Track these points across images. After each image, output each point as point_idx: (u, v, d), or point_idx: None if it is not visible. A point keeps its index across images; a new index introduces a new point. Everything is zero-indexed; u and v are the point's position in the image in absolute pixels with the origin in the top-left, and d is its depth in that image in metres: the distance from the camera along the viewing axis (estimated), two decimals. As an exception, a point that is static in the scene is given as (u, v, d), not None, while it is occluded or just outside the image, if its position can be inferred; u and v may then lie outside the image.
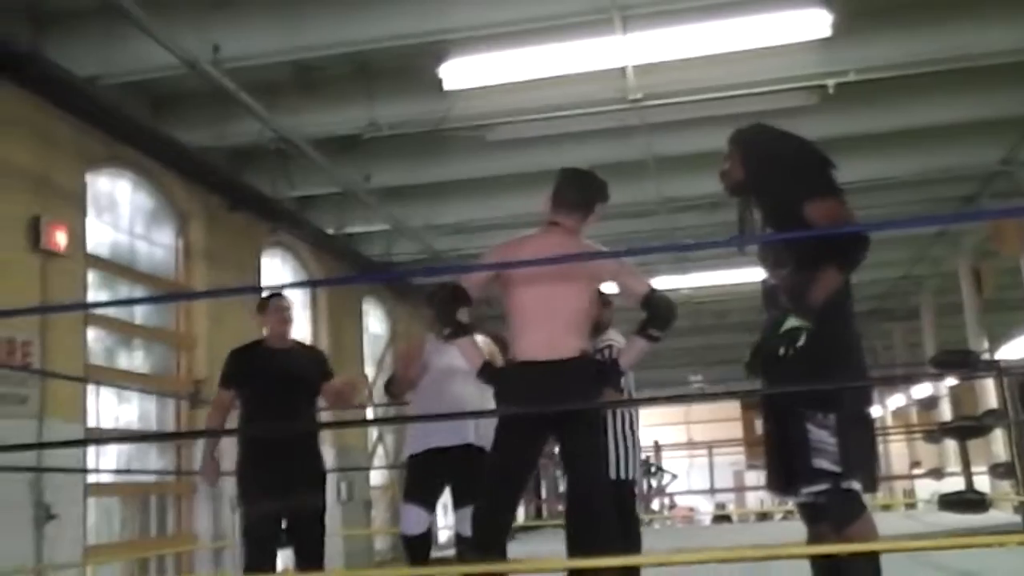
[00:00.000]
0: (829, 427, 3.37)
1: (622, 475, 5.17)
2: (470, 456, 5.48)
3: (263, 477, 5.34)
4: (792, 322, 3.30)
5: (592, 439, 4.27)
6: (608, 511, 4.12)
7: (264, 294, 5.99)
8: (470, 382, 5.41)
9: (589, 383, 4.24)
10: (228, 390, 5.58)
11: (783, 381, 3.49)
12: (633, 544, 5.15)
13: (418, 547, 5.51)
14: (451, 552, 6.40)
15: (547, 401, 4.05)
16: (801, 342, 3.29)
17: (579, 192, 4.41)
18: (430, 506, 5.59)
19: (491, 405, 5.10)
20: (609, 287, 4.70)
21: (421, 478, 5.56)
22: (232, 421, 5.78)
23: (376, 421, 14.22)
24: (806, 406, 3.40)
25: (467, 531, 5.54)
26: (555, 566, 4.51)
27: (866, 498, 3.55)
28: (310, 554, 5.44)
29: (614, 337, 5.33)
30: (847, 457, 3.36)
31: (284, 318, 5.64)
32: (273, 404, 5.41)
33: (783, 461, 3.56)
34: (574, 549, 4.04)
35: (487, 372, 4.33)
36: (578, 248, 4.28)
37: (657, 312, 4.19)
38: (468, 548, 4.20)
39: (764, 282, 3.75)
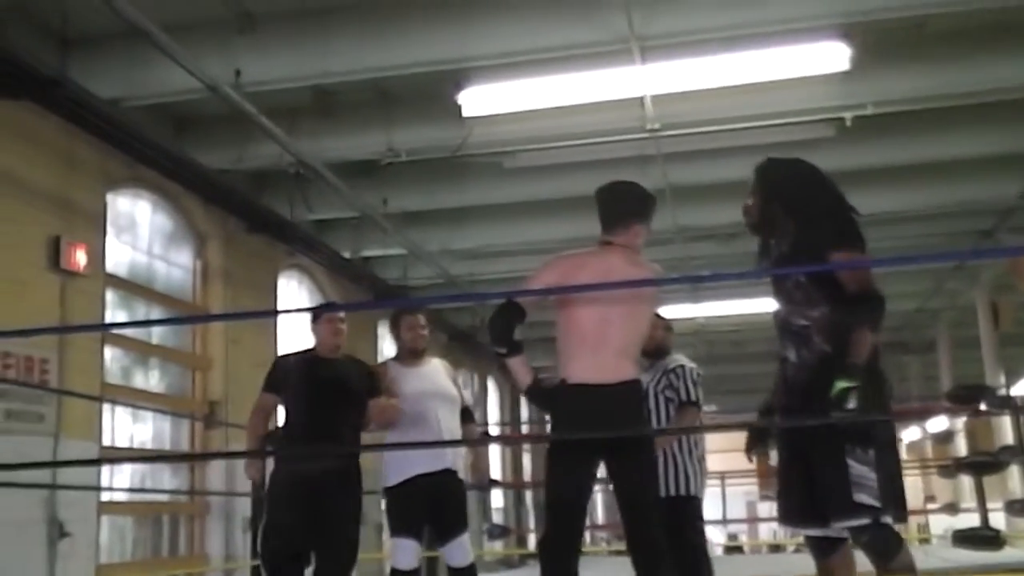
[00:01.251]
0: (869, 462, 3.36)
1: (691, 492, 5.27)
2: (448, 481, 5.43)
3: (296, 491, 5.18)
4: (843, 383, 3.29)
5: (645, 462, 4.17)
6: (662, 534, 4.05)
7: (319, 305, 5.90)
8: (441, 403, 5.48)
9: (639, 408, 4.24)
10: (272, 395, 5.45)
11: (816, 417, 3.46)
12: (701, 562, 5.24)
13: None
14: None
15: (597, 426, 3.99)
16: (851, 404, 3.29)
17: (618, 204, 4.40)
18: (419, 537, 5.43)
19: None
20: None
21: (407, 509, 5.39)
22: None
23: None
24: (847, 441, 3.39)
25: (458, 562, 5.50)
26: None
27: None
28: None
29: (682, 359, 5.58)
30: (882, 491, 3.36)
31: (336, 329, 5.50)
32: (318, 413, 5.28)
33: (807, 494, 3.53)
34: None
35: (535, 393, 4.23)
36: (638, 268, 4.21)
37: None
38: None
39: (787, 319, 3.71)
